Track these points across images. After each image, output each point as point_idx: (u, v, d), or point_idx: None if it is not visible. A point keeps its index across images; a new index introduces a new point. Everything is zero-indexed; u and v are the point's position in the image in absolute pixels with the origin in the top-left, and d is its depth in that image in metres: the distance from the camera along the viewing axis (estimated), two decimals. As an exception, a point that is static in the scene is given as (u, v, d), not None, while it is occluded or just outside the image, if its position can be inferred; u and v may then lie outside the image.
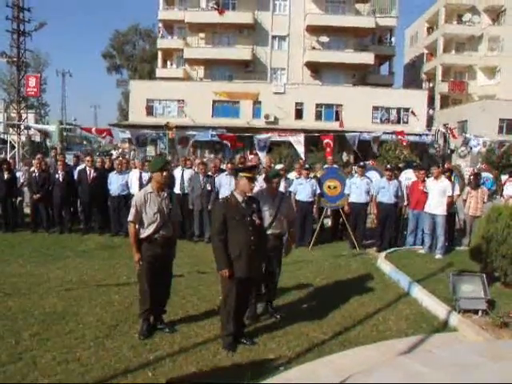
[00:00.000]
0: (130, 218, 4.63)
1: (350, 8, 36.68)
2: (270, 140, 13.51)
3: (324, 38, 35.73)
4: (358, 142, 13.02)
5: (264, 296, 5.34)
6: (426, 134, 29.80)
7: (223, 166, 10.31)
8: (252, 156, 15.85)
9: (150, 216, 4.60)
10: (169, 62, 41.41)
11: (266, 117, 32.54)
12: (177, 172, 9.98)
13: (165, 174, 4.69)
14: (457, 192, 9.08)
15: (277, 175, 5.36)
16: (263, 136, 13.36)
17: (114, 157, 16.47)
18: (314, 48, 36.13)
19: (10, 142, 23.14)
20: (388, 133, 16.95)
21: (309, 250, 9.08)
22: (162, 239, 4.63)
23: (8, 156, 21.27)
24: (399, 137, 15.99)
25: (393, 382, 3.71)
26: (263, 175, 7.06)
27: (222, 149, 28.31)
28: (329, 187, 9.68)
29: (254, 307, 5.14)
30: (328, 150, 13.00)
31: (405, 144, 17.89)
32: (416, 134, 17.61)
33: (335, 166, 10.84)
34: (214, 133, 15.35)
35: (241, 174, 4.48)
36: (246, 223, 4.36)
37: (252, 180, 4.48)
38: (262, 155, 12.39)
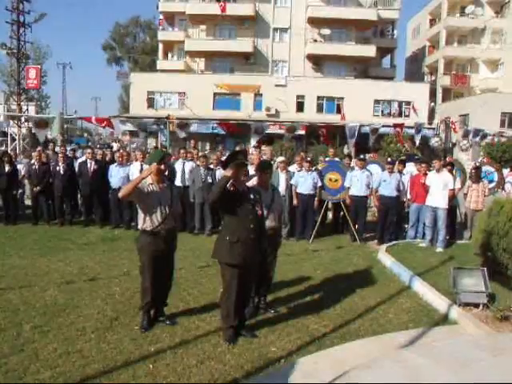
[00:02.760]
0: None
1: (351, 0, 36.43)
2: (272, 132, 13.54)
3: (325, 31, 35.56)
4: (359, 135, 12.99)
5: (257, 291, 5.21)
6: (428, 128, 29.69)
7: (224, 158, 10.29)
8: (252, 149, 15.81)
9: (150, 208, 4.57)
10: (170, 54, 41.24)
11: (267, 109, 32.47)
12: (178, 165, 9.96)
13: (162, 166, 4.65)
14: (458, 185, 9.06)
15: (269, 166, 5.26)
16: (260, 124, 13.35)
17: (114, 149, 16.42)
18: (315, 40, 35.98)
19: (11, 135, 23.08)
20: (387, 126, 16.89)
21: (309, 242, 9.09)
22: (164, 232, 4.60)
23: (9, 148, 21.24)
24: (397, 129, 15.92)
25: (393, 375, 3.72)
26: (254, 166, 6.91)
27: (222, 141, 28.29)
28: (330, 180, 9.66)
29: (253, 302, 5.12)
30: (322, 139, 13.07)
31: (400, 139, 17.85)
32: (413, 127, 17.58)
33: (336, 158, 10.81)
34: (214, 124, 15.32)
35: (229, 165, 4.34)
36: (247, 211, 4.34)
37: (241, 165, 4.31)
38: (257, 138, 12.39)
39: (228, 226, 4.38)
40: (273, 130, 18.27)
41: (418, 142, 16.44)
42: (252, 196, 4.44)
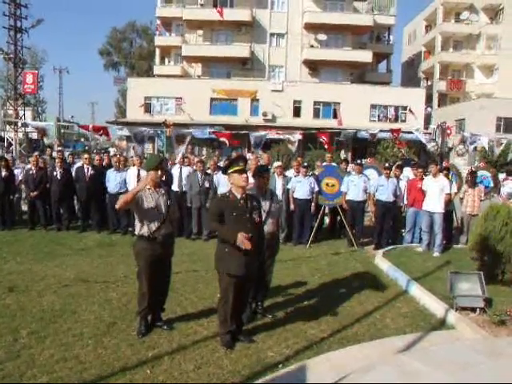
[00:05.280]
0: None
1: (348, 6, 36.67)
2: (268, 138, 13.53)
3: (322, 36, 35.69)
4: (356, 140, 13.04)
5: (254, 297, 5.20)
6: (424, 133, 29.79)
7: (221, 163, 10.33)
8: (250, 154, 15.82)
9: (148, 213, 4.57)
10: (166, 60, 41.33)
11: (264, 114, 32.53)
12: (175, 170, 9.97)
13: (159, 172, 4.65)
14: (454, 190, 9.10)
15: (266, 171, 5.26)
16: (259, 134, 13.35)
17: (111, 154, 16.37)
18: (312, 46, 36.12)
19: (7, 140, 23.06)
20: (385, 131, 16.94)
21: (307, 247, 9.10)
22: (161, 237, 4.60)
23: (5, 153, 21.20)
24: (395, 134, 15.92)
25: (390, 379, 3.72)
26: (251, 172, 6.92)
27: (219, 146, 28.26)
28: (327, 185, 9.68)
29: (251, 307, 5.12)
30: (326, 146, 13.10)
31: (398, 143, 17.93)
32: (412, 132, 17.64)
33: (333, 163, 10.83)
34: (211, 130, 15.29)
35: (229, 171, 4.39)
36: (245, 220, 4.32)
37: (241, 172, 4.34)
38: (257, 152, 12.39)
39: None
40: (270, 135, 18.34)
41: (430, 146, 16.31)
42: (249, 203, 4.42)
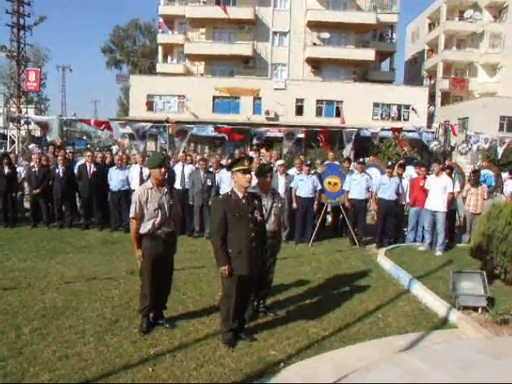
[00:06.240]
0: (132, 214, 4.58)
1: (351, 4, 36.54)
2: (271, 136, 13.52)
3: (325, 34, 35.62)
4: (359, 139, 13.02)
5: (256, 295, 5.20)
6: (426, 131, 29.73)
7: (223, 162, 10.32)
8: (252, 152, 15.81)
9: (150, 212, 4.57)
10: (169, 58, 41.32)
11: (267, 113, 32.51)
12: (177, 168, 9.97)
13: (162, 170, 4.66)
14: (457, 189, 9.08)
15: (269, 170, 5.25)
16: (260, 129, 13.34)
17: (114, 152, 16.39)
18: (314, 44, 36.03)
19: (10, 137, 23.11)
20: (386, 129, 16.89)
21: (309, 246, 9.09)
22: (164, 235, 4.61)
23: (8, 151, 21.25)
24: (396, 133, 15.88)
25: (392, 379, 3.72)
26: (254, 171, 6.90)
27: (221, 144, 28.29)
28: (329, 183, 9.67)
29: (253, 306, 5.12)
30: (321, 144, 13.13)
31: (399, 141, 17.92)
32: (414, 131, 17.56)
33: (336, 162, 10.81)
34: (212, 128, 15.29)
35: (233, 169, 4.38)
36: (247, 220, 4.31)
37: (246, 171, 4.32)
38: (259, 149, 12.43)
39: (229, 240, 4.31)
40: (272, 133, 18.32)
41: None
42: (251, 202, 4.40)
